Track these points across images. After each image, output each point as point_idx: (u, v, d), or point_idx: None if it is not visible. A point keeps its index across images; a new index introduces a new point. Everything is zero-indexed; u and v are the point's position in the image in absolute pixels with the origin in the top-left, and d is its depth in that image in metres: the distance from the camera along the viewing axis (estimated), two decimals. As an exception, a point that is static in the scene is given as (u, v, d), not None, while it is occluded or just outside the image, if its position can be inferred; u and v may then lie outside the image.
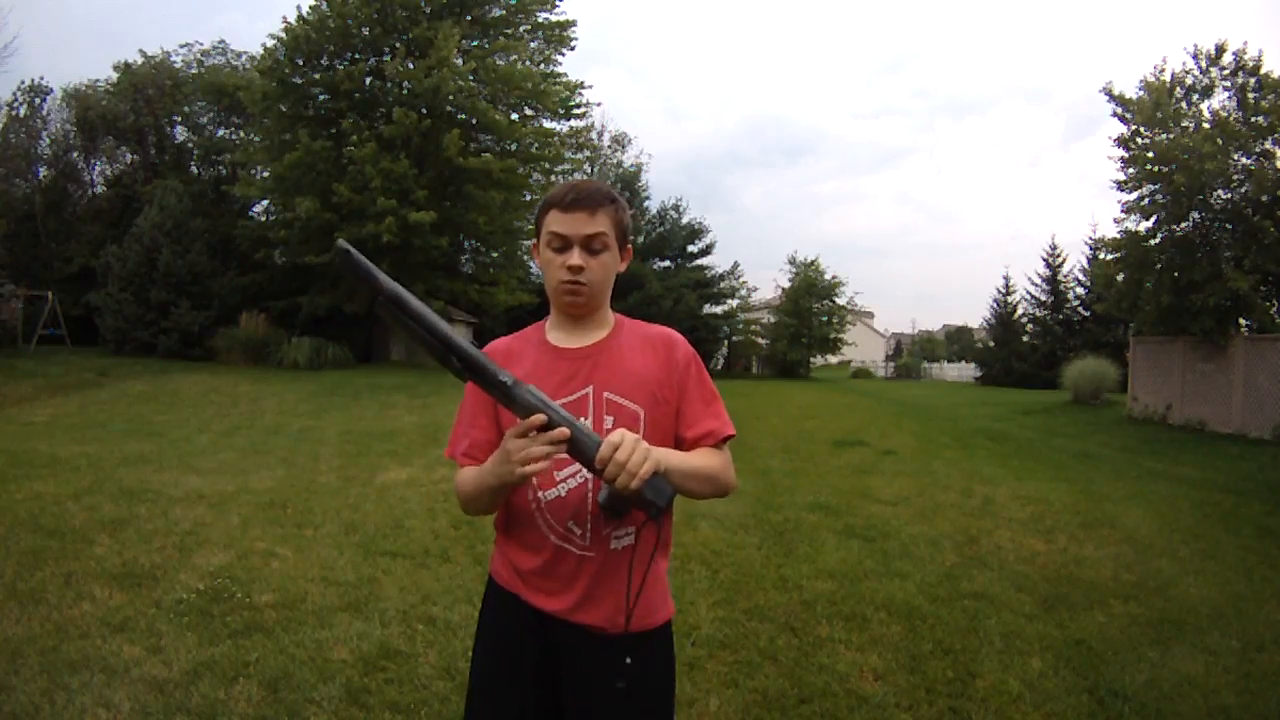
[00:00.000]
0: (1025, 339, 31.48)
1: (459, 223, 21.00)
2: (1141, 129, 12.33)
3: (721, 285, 31.20)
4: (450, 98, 19.78)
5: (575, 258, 1.33)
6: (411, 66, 19.16)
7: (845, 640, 3.29)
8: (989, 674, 3.00)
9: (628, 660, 1.30)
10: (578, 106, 23.43)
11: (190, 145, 25.54)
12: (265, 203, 24.11)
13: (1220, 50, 11.95)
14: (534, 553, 1.35)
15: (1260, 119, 11.37)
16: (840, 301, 31.25)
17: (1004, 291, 33.06)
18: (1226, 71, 11.95)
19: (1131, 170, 12.49)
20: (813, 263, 30.88)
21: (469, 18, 21.38)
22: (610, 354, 1.39)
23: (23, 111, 23.46)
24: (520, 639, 1.37)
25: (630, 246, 1.44)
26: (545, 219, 1.37)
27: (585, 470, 1.26)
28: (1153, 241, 12.42)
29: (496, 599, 1.43)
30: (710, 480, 1.36)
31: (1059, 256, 30.31)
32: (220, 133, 25.40)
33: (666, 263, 30.99)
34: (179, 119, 25.18)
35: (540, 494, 1.34)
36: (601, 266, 1.36)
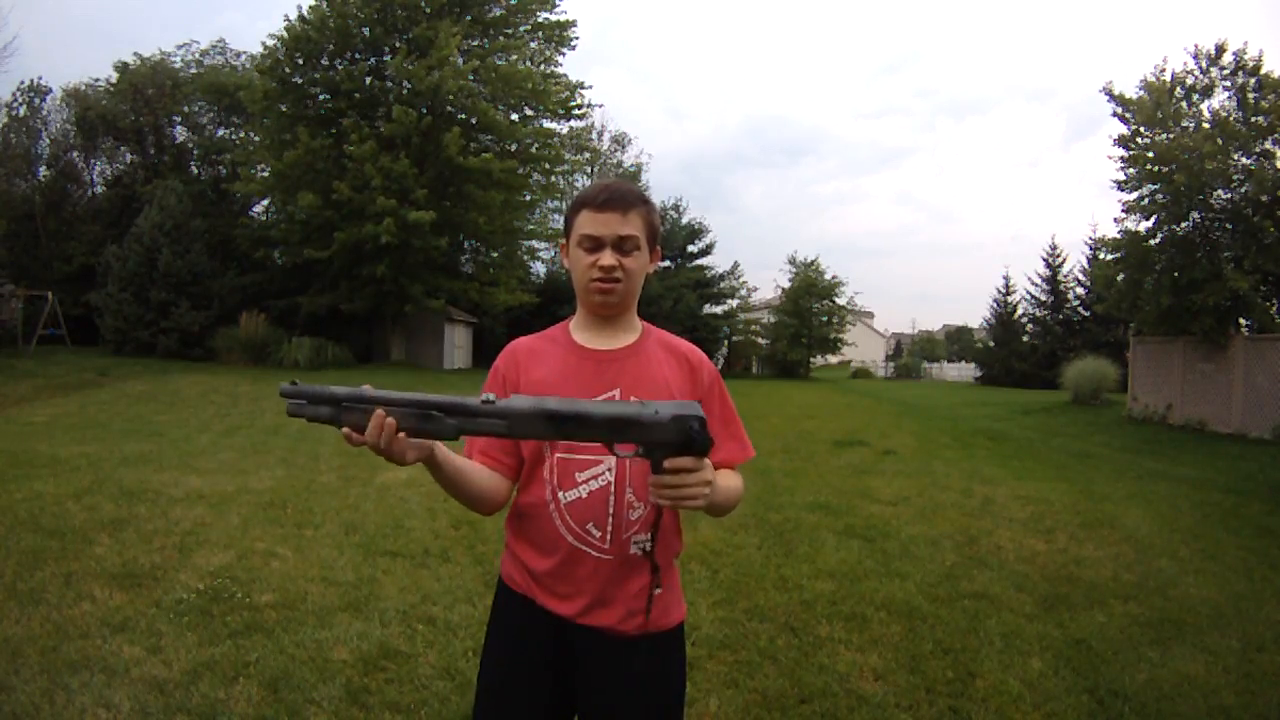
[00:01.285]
0: (1025, 339, 31.50)
1: (459, 222, 21.01)
2: (1142, 129, 12.32)
3: (721, 285, 31.22)
4: (450, 97, 19.79)
5: (607, 258, 1.33)
6: (412, 66, 19.17)
7: (845, 640, 3.29)
8: (989, 674, 3.00)
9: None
10: (578, 107, 23.44)
11: (190, 145, 25.55)
12: (265, 202, 24.14)
13: (1220, 50, 11.95)
14: (548, 554, 1.34)
15: (1260, 119, 11.37)
16: (840, 301, 31.28)
17: (1004, 291, 33.11)
18: (1226, 71, 11.95)
19: (1132, 170, 12.49)
20: (813, 263, 30.92)
21: (469, 17, 21.38)
22: (638, 359, 1.39)
23: (22, 111, 23.48)
24: (533, 644, 1.36)
25: (659, 248, 1.44)
26: (577, 219, 1.36)
27: (610, 472, 1.31)
28: (1153, 241, 12.42)
29: (508, 603, 1.41)
30: (732, 505, 1.39)
31: (1059, 256, 30.37)
32: (220, 132, 25.42)
33: (666, 263, 31.01)
34: (179, 119, 25.18)
35: (560, 494, 1.33)
36: (635, 265, 1.36)
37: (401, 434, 1.10)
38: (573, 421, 1.12)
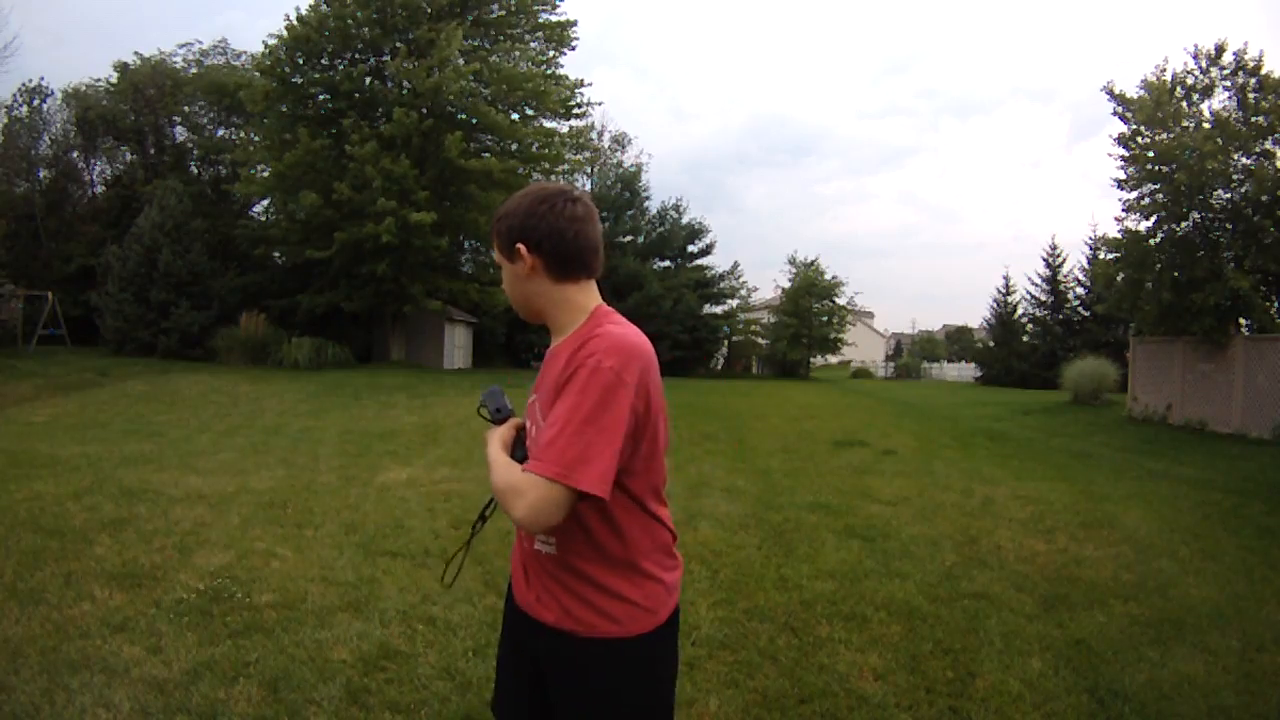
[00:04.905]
0: (1025, 339, 31.49)
1: (459, 222, 21.02)
2: (1142, 128, 12.33)
3: (721, 285, 31.22)
4: (451, 98, 19.79)
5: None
6: (412, 67, 19.16)
7: (845, 640, 3.28)
8: (989, 674, 3.00)
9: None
10: (578, 106, 23.45)
11: (190, 145, 25.55)
12: (265, 202, 24.13)
13: (1220, 50, 11.96)
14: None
15: (1260, 119, 11.36)
16: (840, 301, 31.30)
17: (1004, 291, 33.10)
18: (1227, 71, 11.95)
19: (1132, 169, 12.50)
20: (813, 263, 30.94)
21: (470, 18, 21.39)
22: (550, 362, 1.40)
23: (24, 112, 23.49)
24: (519, 627, 1.47)
25: (522, 245, 1.36)
26: None
27: None
28: (1153, 241, 12.42)
29: (510, 590, 1.54)
30: (493, 482, 1.28)
31: (1059, 256, 30.36)
32: (220, 132, 25.43)
33: (666, 263, 31.00)
34: (179, 119, 25.19)
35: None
36: (505, 286, 1.46)
37: None
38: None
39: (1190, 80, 12.21)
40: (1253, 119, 11.44)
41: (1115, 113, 12.77)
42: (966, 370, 40.89)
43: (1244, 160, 11.44)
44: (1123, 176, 12.68)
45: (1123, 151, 12.60)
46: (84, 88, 24.49)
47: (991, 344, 33.78)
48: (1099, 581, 4.24)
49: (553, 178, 24.17)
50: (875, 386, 29.24)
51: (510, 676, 1.50)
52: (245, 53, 25.31)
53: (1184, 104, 12.22)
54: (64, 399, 11.75)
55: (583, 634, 1.33)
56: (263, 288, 21.94)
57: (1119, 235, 12.97)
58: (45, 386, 12.79)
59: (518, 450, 1.35)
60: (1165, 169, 11.75)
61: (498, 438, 1.37)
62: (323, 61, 20.65)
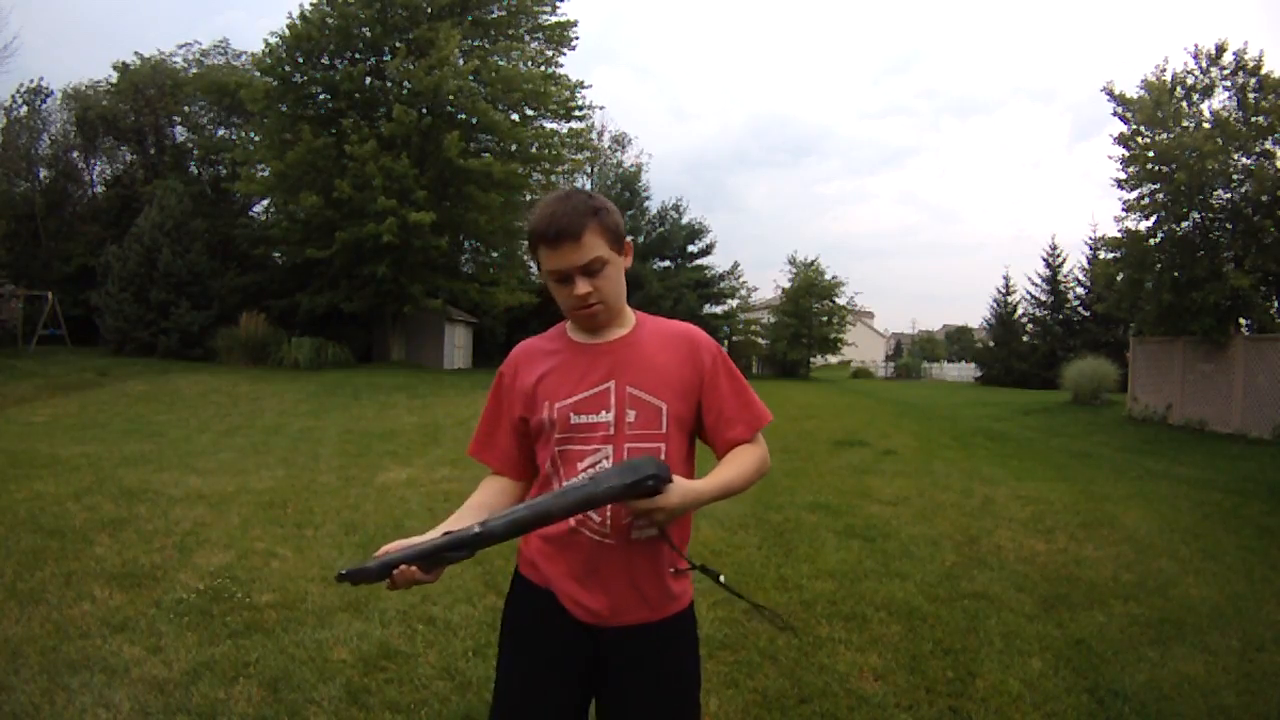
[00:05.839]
0: (1025, 339, 31.48)
1: (459, 222, 21.00)
2: (1142, 128, 12.33)
3: (721, 285, 31.22)
4: (451, 98, 19.79)
5: (580, 287, 1.33)
6: (412, 66, 19.16)
7: (845, 640, 3.28)
8: (989, 674, 2.99)
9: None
10: (579, 107, 23.44)
11: (190, 145, 25.53)
12: (265, 202, 24.11)
13: (1220, 50, 11.95)
14: (550, 539, 1.36)
15: (1260, 119, 11.36)
16: (840, 301, 31.28)
17: (1004, 291, 33.10)
18: (1227, 71, 11.94)
19: (1132, 169, 12.49)
20: (813, 263, 30.93)
21: (469, 18, 21.39)
22: (634, 349, 1.39)
23: (23, 112, 23.48)
24: (555, 638, 1.38)
25: (629, 240, 1.43)
26: (538, 253, 1.36)
27: (607, 460, 1.33)
28: (1153, 241, 12.42)
29: (526, 595, 1.42)
30: (740, 487, 1.39)
31: (1059, 256, 30.36)
32: (220, 132, 25.39)
33: (666, 263, 30.99)
34: (179, 119, 25.16)
35: (566, 482, 1.34)
36: (606, 282, 1.35)
37: (421, 573, 1.22)
38: (540, 521, 1.23)
39: (1190, 80, 12.21)
40: (1253, 119, 11.44)
41: (1115, 113, 12.76)
42: (966, 370, 40.88)
43: (1244, 160, 11.44)
44: (1123, 176, 12.67)
45: (1123, 151, 12.59)
46: (84, 88, 24.47)
47: (991, 344, 33.77)
48: (1099, 581, 4.24)
49: (553, 178, 24.18)
50: (875, 386, 29.24)
51: (539, 687, 1.39)
52: (245, 52, 25.27)
53: (1184, 104, 12.21)
54: (64, 399, 11.75)
55: (655, 619, 1.37)
56: (263, 288, 21.93)
57: (1119, 235, 12.97)
58: (45, 386, 12.79)
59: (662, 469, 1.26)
60: (1165, 169, 11.74)
61: (683, 485, 1.27)
62: (323, 61, 20.64)
